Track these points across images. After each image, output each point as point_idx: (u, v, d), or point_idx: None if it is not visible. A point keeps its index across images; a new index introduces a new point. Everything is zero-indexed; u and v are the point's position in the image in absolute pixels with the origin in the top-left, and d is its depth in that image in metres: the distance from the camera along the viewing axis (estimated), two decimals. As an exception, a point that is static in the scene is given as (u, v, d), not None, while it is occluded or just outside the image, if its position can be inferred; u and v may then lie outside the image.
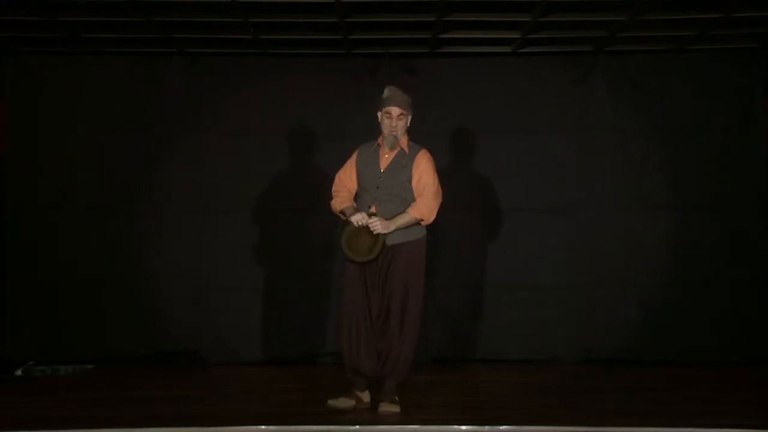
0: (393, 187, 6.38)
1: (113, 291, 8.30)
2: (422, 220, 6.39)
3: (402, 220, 6.33)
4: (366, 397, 6.50)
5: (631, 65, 8.34)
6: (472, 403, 6.69)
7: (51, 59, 8.37)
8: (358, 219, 6.29)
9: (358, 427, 5.93)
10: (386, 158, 6.44)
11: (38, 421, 6.00)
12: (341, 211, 6.48)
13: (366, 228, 6.28)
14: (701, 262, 8.30)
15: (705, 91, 8.32)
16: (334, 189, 6.57)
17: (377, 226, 6.24)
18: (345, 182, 6.53)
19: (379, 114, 6.45)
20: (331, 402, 6.41)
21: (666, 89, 8.34)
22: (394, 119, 6.37)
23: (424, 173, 6.41)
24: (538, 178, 8.37)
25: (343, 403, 6.41)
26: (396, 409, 6.33)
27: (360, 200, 6.46)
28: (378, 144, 6.49)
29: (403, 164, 6.42)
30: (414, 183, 6.40)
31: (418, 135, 8.25)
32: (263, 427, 5.90)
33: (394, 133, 6.38)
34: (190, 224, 8.33)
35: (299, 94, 8.32)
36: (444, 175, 8.23)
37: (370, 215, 6.28)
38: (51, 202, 8.31)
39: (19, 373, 7.88)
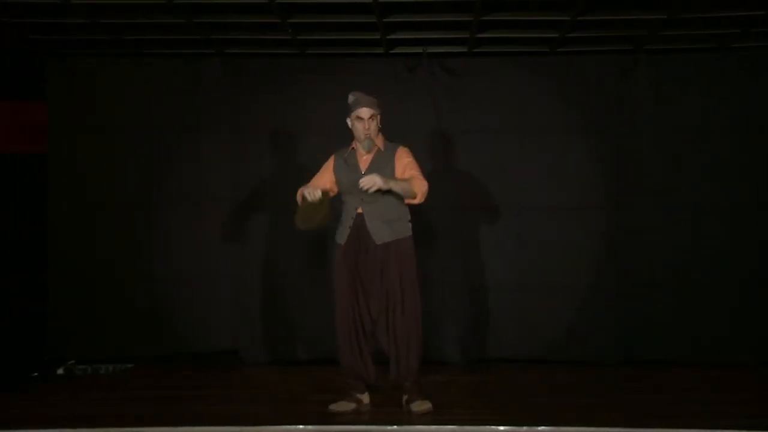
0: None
1: (153, 291, 8.36)
2: (416, 195, 6.30)
3: (400, 183, 6.27)
4: (366, 398, 6.53)
5: (671, 64, 8.26)
6: (509, 404, 6.67)
7: (92, 61, 8.44)
8: (310, 192, 6.27)
9: (396, 427, 5.94)
10: (365, 160, 6.42)
11: (78, 420, 6.07)
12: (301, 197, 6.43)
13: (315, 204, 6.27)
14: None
15: (746, 90, 8.21)
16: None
17: (374, 181, 6.15)
18: (315, 182, 6.47)
19: (348, 120, 6.42)
20: (332, 407, 6.41)
21: (706, 88, 8.25)
22: (366, 121, 6.34)
23: (408, 165, 6.39)
24: (576, 177, 8.32)
25: (344, 406, 6.42)
26: (429, 406, 6.35)
27: (344, 205, 6.45)
28: (353, 148, 6.46)
29: (384, 162, 6.40)
30: (399, 175, 6.36)
31: (455, 134, 8.32)
32: (301, 426, 5.93)
33: (368, 134, 6.36)
34: (230, 225, 8.37)
35: (338, 94, 8.30)
36: (483, 174, 8.32)
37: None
38: (91, 202, 8.38)
39: (60, 372, 7.98)
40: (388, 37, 7.89)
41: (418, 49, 8.23)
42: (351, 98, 6.43)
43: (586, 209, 8.34)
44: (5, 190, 8.32)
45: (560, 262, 8.33)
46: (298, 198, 6.42)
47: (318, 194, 6.27)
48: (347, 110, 6.44)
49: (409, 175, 6.35)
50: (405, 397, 6.47)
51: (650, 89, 8.26)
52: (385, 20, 7.43)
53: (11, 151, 8.42)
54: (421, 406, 6.37)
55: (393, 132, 7.96)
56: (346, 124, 6.47)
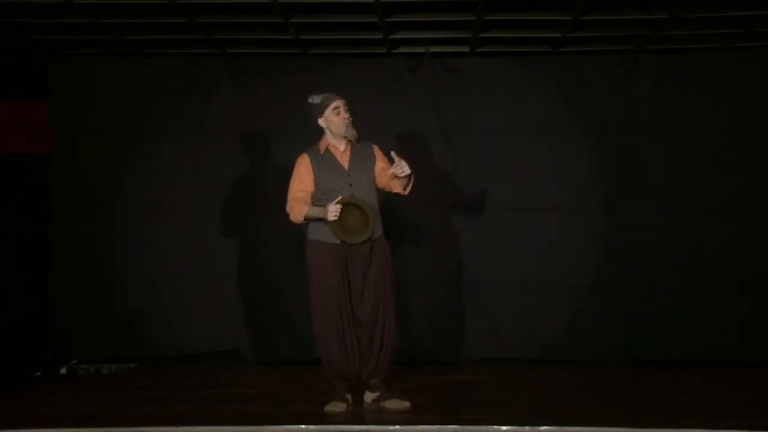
0: (364, 181, 6.41)
1: (154, 291, 8.36)
2: (408, 187, 6.44)
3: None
4: (350, 398, 6.55)
5: (672, 63, 8.26)
6: (509, 404, 6.68)
7: (94, 61, 8.43)
8: (333, 210, 6.18)
9: (397, 426, 5.94)
10: (344, 155, 6.44)
11: (78, 420, 6.08)
12: (306, 218, 6.36)
13: (347, 210, 6.22)
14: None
15: (747, 89, 8.20)
16: (288, 207, 6.42)
17: (405, 167, 6.23)
18: (300, 193, 6.40)
19: (321, 120, 6.43)
20: (329, 408, 6.40)
21: (709, 88, 8.24)
22: (343, 111, 6.38)
23: (387, 163, 6.48)
24: (576, 177, 8.32)
25: (339, 407, 6.42)
26: (407, 404, 6.36)
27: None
28: (327, 148, 6.45)
29: (363, 155, 6.46)
30: (381, 172, 6.46)
31: (456, 134, 8.33)
32: (302, 426, 5.93)
33: (349, 123, 6.39)
34: (231, 225, 8.37)
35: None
36: (483, 174, 8.32)
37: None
38: (93, 202, 8.38)
39: (63, 371, 8.00)
40: (390, 36, 7.88)
41: (420, 49, 8.23)
42: (317, 98, 6.43)
43: (586, 209, 8.34)
44: (6, 190, 8.32)
45: (560, 262, 8.32)
46: (330, 217, 6.23)
47: (338, 207, 6.21)
48: (314, 114, 6.45)
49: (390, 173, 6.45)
50: (374, 395, 6.49)
51: (651, 89, 8.26)
52: (387, 20, 7.42)
53: (12, 151, 8.41)
54: (399, 404, 6.38)
55: (394, 131, 8.04)
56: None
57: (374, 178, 6.48)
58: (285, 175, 8.13)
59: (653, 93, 8.26)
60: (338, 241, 6.33)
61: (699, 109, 8.25)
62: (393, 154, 6.30)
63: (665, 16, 7.31)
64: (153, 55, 8.40)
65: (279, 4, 7.08)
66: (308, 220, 6.37)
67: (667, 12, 7.24)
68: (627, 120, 8.28)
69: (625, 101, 8.28)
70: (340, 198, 6.23)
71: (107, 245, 8.38)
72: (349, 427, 5.95)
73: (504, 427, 5.86)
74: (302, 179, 6.43)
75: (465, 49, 8.26)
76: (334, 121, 6.40)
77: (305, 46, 8.21)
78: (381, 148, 6.60)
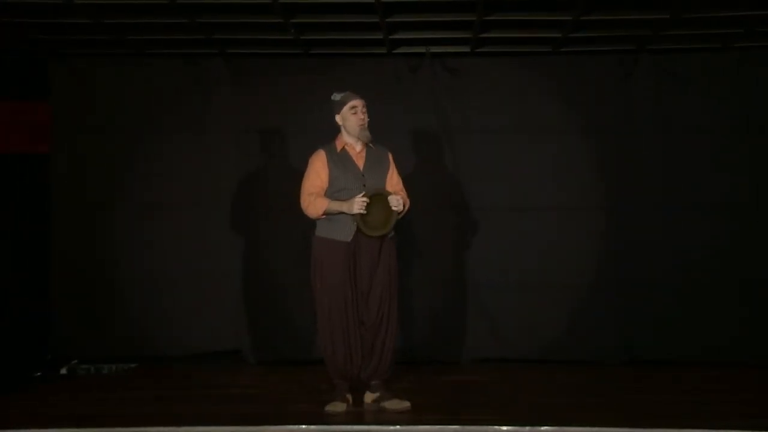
0: (377, 182, 6.40)
1: (155, 291, 8.35)
2: (402, 208, 6.41)
3: (405, 198, 6.46)
4: (350, 398, 6.55)
5: (672, 63, 8.25)
6: (509, 404, 6.67)
7: (95, 61, 8.43)
8: (360, 204, 6.21)
9: (398, 427, 5.95)
10: (360, 156, 6.44)
11: (78, 420, 6.08)
12: (326, 212, 6.34)
13: (373, 205, 6.25)
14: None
15: (746, 89, 8.20)
16: (304, 202, 6.40)
17: (400, 202, 6.30)
18: (316, 188, 6.38)
19: (338, 117, 6.44)
20: (329, 408, 6.40)
21: (709, 88, 8.24)
22: (361, 110, 6.39)
23: (398, 179, 6.56)
24: (576, 177, 8.32)
25: (339, 407, 6.42)
26: (407, 404, 6.36)
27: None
28: (344, 147, 6.45)
29: (379, 159, 6.48)
30: (392, 181, 6.49)
31: (456, 134, 8.33)
32: (303, 426, 5.93)
33: (364, 124, 6.39)
34: (231, 225, 8.36)
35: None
36: (483, 174, 8.32)
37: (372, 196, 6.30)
38: (94, 202, 8.38)
39: (63, 371, 8.00)
40: (391, 36, 7.88)
41: (421, 49, 8.23)
42: (338, 95, 6.46)
43: (586, 209, 8.34)
44: (6, 190, 8.32)
45: (560, 262, 8.33)
46: (356, 210, 6.26)
47: (364, 200, 6.24)
48: (332, 110, 6.49)
49: (398, 185, 6.54)
50: (374, 395, 6.50)
51: (651, 89, 8.26)
52: (387, 20, 7.42)
53: (12, 151, 8.41)
54: (399, 404, 6.38)
55: (395, 132, 8.03)
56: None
57: (385, 184, 6.48)
58: (285, 175, 8.21)
59: (653, 93, 8.26)
60: (348, 239, 6.33)
61: (699, 109, 8.25)
62: (390, 197, 6.35)
63: (665, 16, 7.31)
64: (153, 55, 8.40)
65: (279, 4, 7.08)
66: (328, 214, 6.35)
67: (667, 12, 7.25)
68: (627, 120, 8.28)
69: (625, 101, 8.29)
70: (365, 192, 6.25)
71: (107, 245, 8.38)
72: (349, 427, 5.96)
73: (504, 427, 5.86)
74: (318, 174, 6.41)
75: (465, 49, 8.26)
76: (350, 119, 6.40)
77: (305, 47, 8.21)
78: (394, 158, 6.64)
